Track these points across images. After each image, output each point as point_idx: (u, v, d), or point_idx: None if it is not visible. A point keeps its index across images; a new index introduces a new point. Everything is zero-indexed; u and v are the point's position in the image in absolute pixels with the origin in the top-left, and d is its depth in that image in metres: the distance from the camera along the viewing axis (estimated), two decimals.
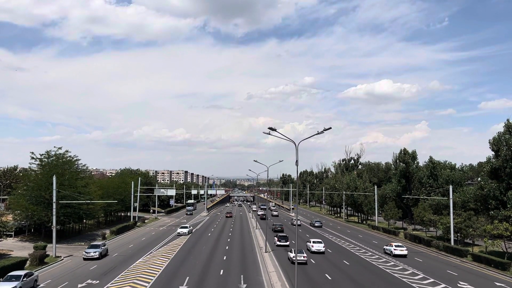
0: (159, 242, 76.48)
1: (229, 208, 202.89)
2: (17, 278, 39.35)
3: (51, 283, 43.92)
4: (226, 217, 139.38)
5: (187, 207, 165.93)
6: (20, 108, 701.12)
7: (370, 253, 67.73)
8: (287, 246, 69.29)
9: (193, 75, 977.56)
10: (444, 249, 69.72)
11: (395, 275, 48.91)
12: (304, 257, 53.94)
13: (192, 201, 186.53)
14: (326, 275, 47.29)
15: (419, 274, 50.11)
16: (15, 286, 37.78)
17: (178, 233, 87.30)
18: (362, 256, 64.60)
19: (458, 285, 44.96)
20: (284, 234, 77.32)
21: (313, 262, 56.68)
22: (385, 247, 69.63)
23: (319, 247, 65.45)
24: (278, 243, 71.47)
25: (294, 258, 49.57)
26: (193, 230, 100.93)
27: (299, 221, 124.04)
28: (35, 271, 50.77)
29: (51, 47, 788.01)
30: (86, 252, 57.68)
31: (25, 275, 40.45)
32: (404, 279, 46.37)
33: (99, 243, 61.28)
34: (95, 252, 57.14)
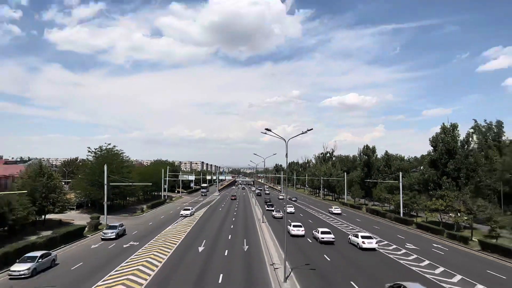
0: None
1: (234, 190, 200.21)
2: (32, 259, 34.52)
3: (103, 244, 46.71)
4: (231, 199, 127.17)
5: (201, 190, 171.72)
6: (80, 114, 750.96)
7: (327, 216, 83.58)
8: (272, 210, 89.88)
9: (208, 89, 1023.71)
10: (395, 219, 74.33)
11: (330, 222, 71.73)
12: (281, 215, 76.66)
13: (205, 184, 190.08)
14: (289, 220, 63.07)
15: (377, 238, 52.73)
16: (29, 268, 33.24)
17: (181, 214, 77.92)
18: (316, 215, 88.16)
19: (405, 246, 48.42)
20: (271, 203, 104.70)
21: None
22: (329, 209, 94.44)
23: (291, 209, 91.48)
24: (267, 208, 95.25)
25: (275, 215, 78.06)
26: (210, 204, 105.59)
27: (283, 196, 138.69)
28: (91, 234, 53.15)
29: (103, 69, 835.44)
30: (103, 233, 51.86)
31: (41, 256, 35.53)
32: (334, 224, 67.92)
33: (117, 223, 54.92)
34: (112, 233, 51.29)
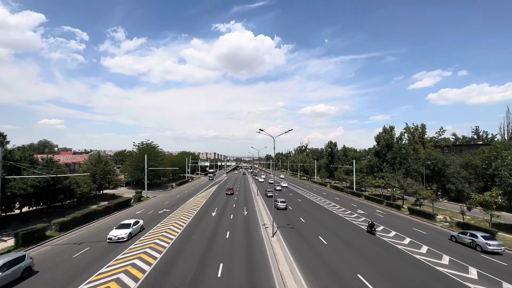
0: (201, 190, 75.75)
1: (235, 177, 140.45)
2: (128, 226, 31.20)
3: (144, 210, 45.48)
4: (227, 194, 67.27)
5: (208, 174, 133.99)
6: (128, 119, 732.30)
7: (296, 187, 75.85)
8: (257, 179, 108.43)
9: (218, 101, 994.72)
10: (350, 193, 70.46)
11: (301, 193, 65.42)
12: (261, 180, 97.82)
13: (212, 170, 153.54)
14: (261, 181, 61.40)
15: (337, 206, 51.44)
16: (127, 232, 30.07)
17: (109, 238, 29.63)
18: (281, 183, 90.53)
19: (357, 211, 46.85)
20: (257, 176, 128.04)
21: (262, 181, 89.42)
22: (280, 176, 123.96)
23: (263, 176, 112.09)
24: (255, 177, 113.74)
25: (257, 180, 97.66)
26: (220, 183, 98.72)
27: (266, 174, 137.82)
28: (136, 204, 50.12)
29: (143, 86, 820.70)
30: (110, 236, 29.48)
31: (134, 223, 32.00)
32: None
33: (131, 221, 32.11)
34: (125, 232, 29.78)
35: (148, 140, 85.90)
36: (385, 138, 71.61)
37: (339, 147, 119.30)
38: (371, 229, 32.80)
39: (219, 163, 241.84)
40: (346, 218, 42.02)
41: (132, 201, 52.88)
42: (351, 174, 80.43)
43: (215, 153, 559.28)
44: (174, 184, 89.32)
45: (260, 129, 34.40)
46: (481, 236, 28.32)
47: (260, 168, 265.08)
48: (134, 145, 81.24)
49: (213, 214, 42.79)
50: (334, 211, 46.98)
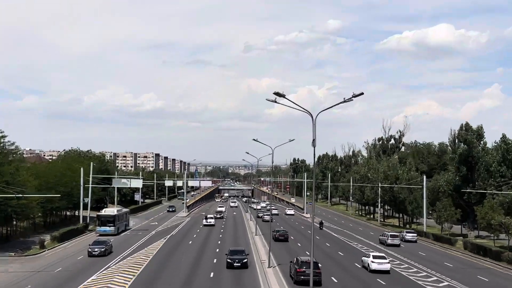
0: (120, 253, 34.33)
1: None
2: None
3: None
4: None
5: (98, 228, 47.00)
6: None
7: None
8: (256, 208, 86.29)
9: (170, 17, 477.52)
10: None
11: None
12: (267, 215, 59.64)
13: (113, 210, 51.95)
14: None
15: None
16: None
17: None
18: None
19: None
20: (261, 208, 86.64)
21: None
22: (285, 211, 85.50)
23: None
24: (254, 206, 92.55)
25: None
26: None
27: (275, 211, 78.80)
28: None
29: None
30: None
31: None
32: None
33: None
34: None
35: None
36: None
37: (491, 139, 58.82)
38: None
39: (168, 182, 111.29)
40: None
41: None
42: None
43: (157, 155, 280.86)
44: (48, 237, 41.64)
45: (277, 93, 18.24)
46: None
47: (276, 194, 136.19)
48: None
49: None
50: None
